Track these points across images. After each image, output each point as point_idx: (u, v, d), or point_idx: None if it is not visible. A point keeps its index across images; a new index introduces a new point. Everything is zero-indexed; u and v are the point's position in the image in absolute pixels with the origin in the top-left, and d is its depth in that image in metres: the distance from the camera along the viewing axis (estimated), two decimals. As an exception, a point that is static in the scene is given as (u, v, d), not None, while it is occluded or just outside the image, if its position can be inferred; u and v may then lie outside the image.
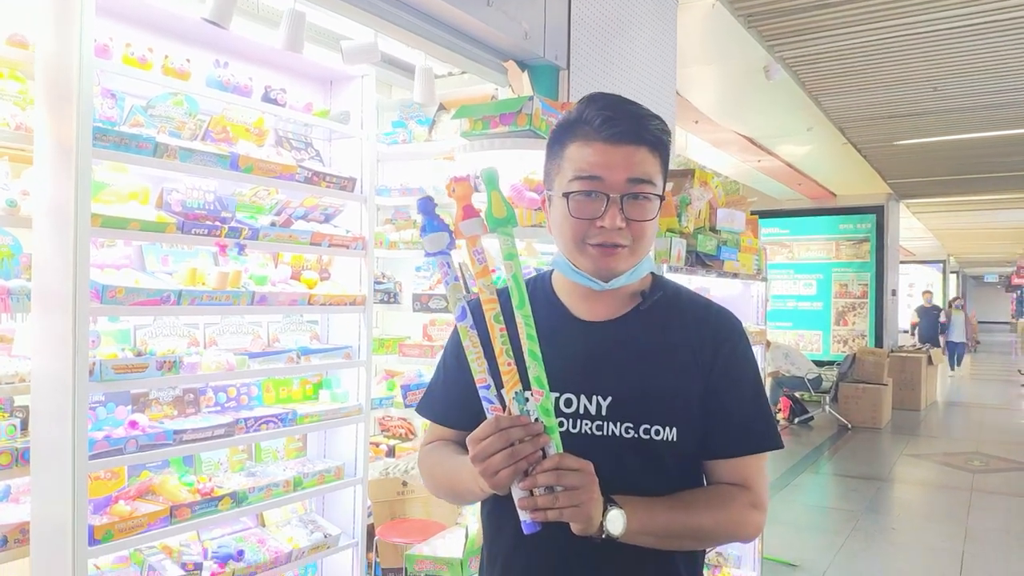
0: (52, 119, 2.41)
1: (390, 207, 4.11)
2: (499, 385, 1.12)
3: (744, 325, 3.88)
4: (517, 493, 1.10)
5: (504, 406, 1.11)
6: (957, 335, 17.60)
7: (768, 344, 10.37)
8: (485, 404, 1.12)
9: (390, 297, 3.88)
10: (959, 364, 17.92)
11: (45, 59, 2.41)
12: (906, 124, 8.33)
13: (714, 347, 1.27)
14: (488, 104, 2.72)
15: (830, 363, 11.76)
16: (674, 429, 1.22)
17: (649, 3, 4.65)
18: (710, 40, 5.71)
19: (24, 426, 2.49)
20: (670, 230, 3.25)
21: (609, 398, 1.22)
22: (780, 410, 10.50)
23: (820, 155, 9.94)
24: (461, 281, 1.19)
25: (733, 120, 8.09)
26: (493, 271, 2.39)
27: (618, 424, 1.22)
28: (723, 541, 1.36)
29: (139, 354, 2.56)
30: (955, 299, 20.43)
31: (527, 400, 1.11)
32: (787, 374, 10.39)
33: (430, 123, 3.89)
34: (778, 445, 1.30)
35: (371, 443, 3.71)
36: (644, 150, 1.20)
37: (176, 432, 2.60)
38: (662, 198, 1.23)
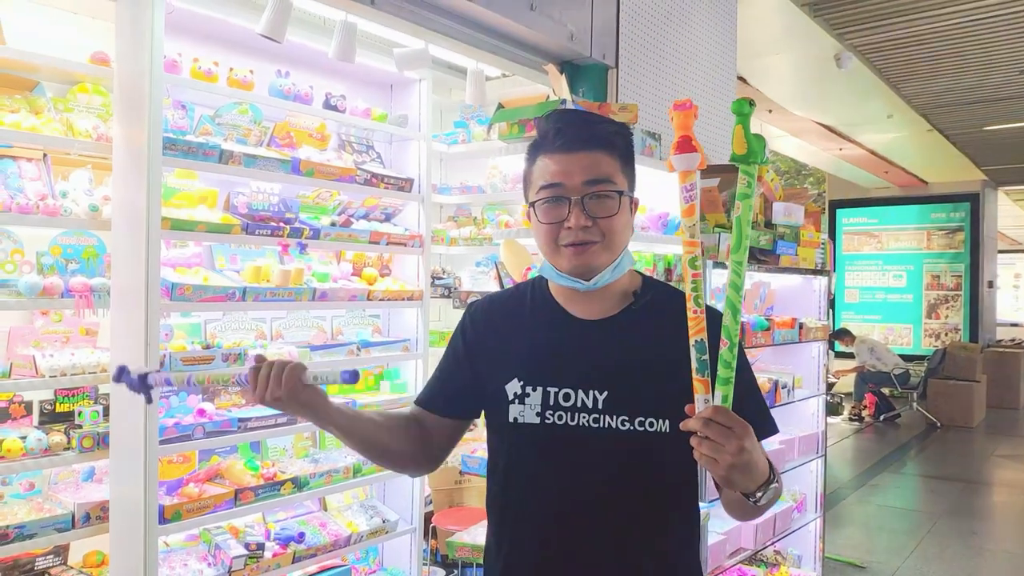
0: (127, 130, 2.62)
1: (452, 205, 4.23)
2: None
3: (805, 320, 3.82)
4: None
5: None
6: None
7: (846, 337, 10.09)
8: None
9: (450, 292, 4.00)
10: None
11: (121, 75, 2.62)
12: (995, 109, 7.94)
13: None
14: (522, 108, 2.80)
15: (920, 358, 11.29)
16: (667, 421, 1.30)
17: (704, -3, 4.62)
18: (776, 31, 5.60)
19: (106, 412, 2.73)
20: (719, 225, 3.26)
21: (605, 392, 1.32)
22: (865, 406, 10.17)
23: (905, 142, 9.56)
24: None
25: (808, 109, 7.90)
26: (529, 269, 2.46)
27: (614, 417, 1.31)
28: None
29: (207, 347, 2.75)
30: None
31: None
32: (872, 369, 10.07)
33: (488, 123, 3.98)
34: (773, 431, 1.39)
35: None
36: (598, 153, 1.32)
37: (240, 420, 2.78)
38: (623, 194, 1.33)
